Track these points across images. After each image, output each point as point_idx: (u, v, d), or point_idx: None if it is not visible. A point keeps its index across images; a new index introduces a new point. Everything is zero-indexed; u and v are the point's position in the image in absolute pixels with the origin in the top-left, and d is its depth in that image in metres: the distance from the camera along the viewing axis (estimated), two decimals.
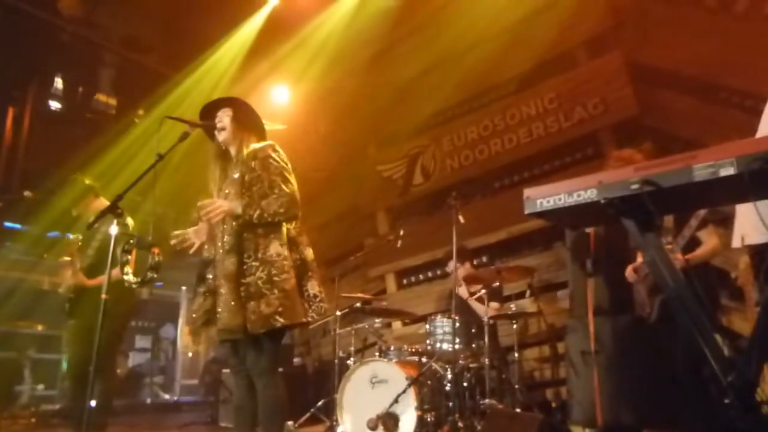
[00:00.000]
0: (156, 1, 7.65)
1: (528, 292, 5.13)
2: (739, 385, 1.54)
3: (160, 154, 2.86)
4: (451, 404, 4.17)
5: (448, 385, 4.27)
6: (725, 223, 3.44)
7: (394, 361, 4.29)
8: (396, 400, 3.91)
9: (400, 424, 3.96)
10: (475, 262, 5.62)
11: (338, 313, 5.12)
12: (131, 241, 2.80)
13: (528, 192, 1.89)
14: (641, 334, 3.59)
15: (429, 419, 4.04)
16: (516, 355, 4.76)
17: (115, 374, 5.30)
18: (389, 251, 6.44)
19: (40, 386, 6.39)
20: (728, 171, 1.48)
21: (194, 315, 2.93)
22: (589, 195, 1.72)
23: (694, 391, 3.11)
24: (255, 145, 3.01)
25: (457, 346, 4.38)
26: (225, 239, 2.88)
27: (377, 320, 5.23)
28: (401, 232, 5.09)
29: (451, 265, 5.36)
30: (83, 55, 7.65)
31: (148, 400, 8.16)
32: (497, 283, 4.80)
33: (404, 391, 3.92)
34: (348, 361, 4.96)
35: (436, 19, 6.54)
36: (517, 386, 4.63)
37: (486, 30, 6.08)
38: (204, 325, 2.90)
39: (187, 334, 9.28)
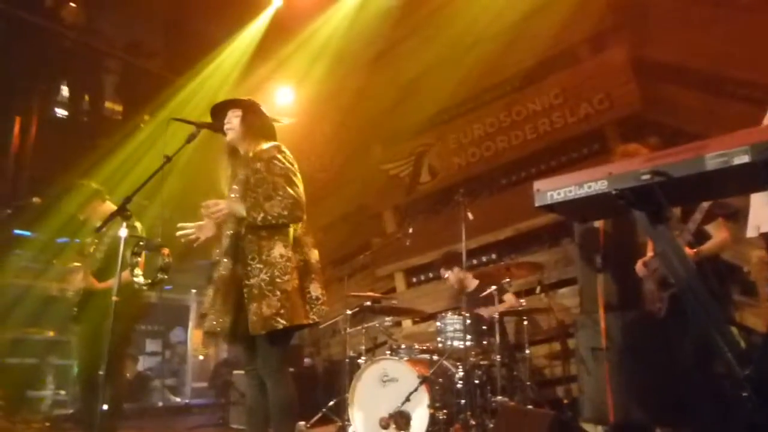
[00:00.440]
0: (157, 7, 7.68)
1: (537, 289, 5.11)
2: (756, 378, 1.52)
3: (168, 156, 2.87)
4: (462, 402, 4.16)
5: (459, 382, 4.27)
6: (735, 216, 3.42)
7: (404, 359, 4.28)
8: (408, 399, 3.91)
9: (412, 422, 3.96)
10: (467, 265, 5.61)
11: (348, 312, 5.12)
12: (140, 244, 2.81)
13: (538, 184, 1.88)
14: (652, 329, 3.56)
15: (441, 417, 4.03)
16: (527, 352, 4.75)
17: (124, 377, 5.32)
18: (397, 250, 6.44)
19: (62, 392, 6.43)
20: (742, 159, 1.45)
21: (205, 315, 2.95)
22: (600, 186, 1.71)
23: (706, 387, 3.09)
24: (261, 146, 3.01)
25: (467, 344, 4.37)
26: (229, 242, 2.89)
27: (387, 319, 5.22)
28: (410, 230, 5.09)
29: (444, 272, 5.40)
30: (87, 62, 7.68)
31: (159, 403, 8.17)
32: (493, 287, 4.75)
33: (416, 390, 3.91)
34: (358, 361, 4.96)
35: (438, 17, 6.53)
36: (528, 383, 4.62)
37: (488, 27, 6.06)
38: (213, 322, 2.92)
39: (197, 337, 9.31)
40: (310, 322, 2.88)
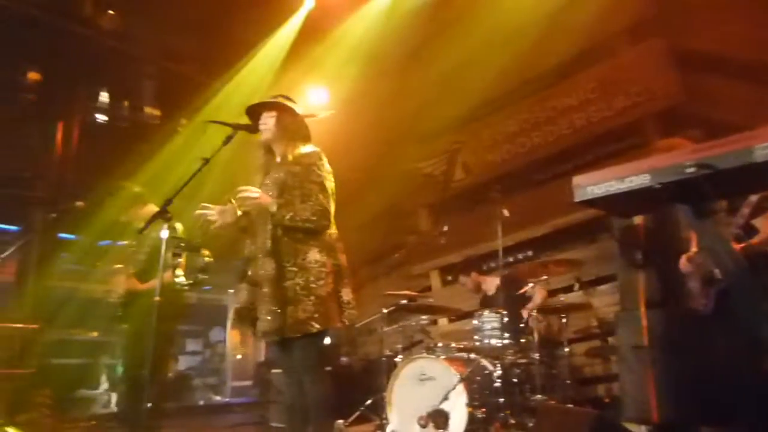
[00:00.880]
0: (192, 12, 7.79)
1: (576, 286, 5.03)
2: None
3: (206, 159, 2.92)
4: (500, 400, 4.12)
5: (497, 381, 4.22)
6: None
7: (441, 357, 4.26)
8: (446, 397, 3.89)
9: (451, 421, 3.93)
10: (485, 267, 5.59)
11: (384, 311, 5.12)
12: (181, 245, 2.86)
13: (577, 179, 1.84)
14: (697, 326, 3.47)
15: (479, 416, 4.00)
16: (566, 349, 4.68)
17: (167, 376, 5.42)
18: (432, 248, 6.43)
19: (113, 393, 6.61)
20: None
21: (237, 311, 3.01)
22: (642, 180, 1.67)
23: (755, 385, 3.00)
24: (302, 150, 3.06)
25: (505, 342, 4.33)
26: (266, 242, 2.93)
27: (423, 317, 5.21)
28: (445, 228, 5.07)
29: (463, 278, 5.37)
30: (126, 69, 7.85)
31: (200, 402, 8.33)
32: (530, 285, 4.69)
33: (454, 388, 3.89)
34: (395, 359, 4.95)
35: (471, 13, 6.47)
36: (567, 382, 4.55)
37: (522, 21, 5.97)
38: (248, 321, 2.97)
39: (236, 337, 9.45)
40: (342, 324, 2.96)
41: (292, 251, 2.89)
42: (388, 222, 7.51)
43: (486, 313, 4.63)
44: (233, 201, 2.97)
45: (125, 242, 4.49)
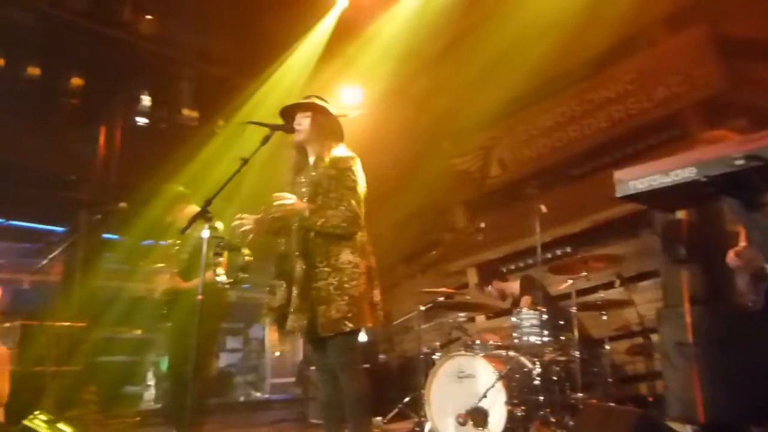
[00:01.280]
0: (227, 14, 7.91)
1: (617, 282, 4.94)
2: None
3: (244, 159, 2.96)
4: (540, 398, 4.07)
5: (537, 379, 4.18)
6: None
7: (480, 355, 4.23)
8: (484, 395, 3.86)
9: (490, 419, 3.91)
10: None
11: (422, 308, 5.12)
12: (221, 244, 2.91)
13: (619, 174, 1.81)
14: (745, 323, 3.38)
15: (518, 414, 3.96)
16: (606, 347, 4.60)
17: (210, 373, 5.53)
18: (469, 245, 6.39)
19: (158, 390, 6.77)
20: None
21: (271, 309, 3.05)
22: (688, 174, 1.63)
23: None
24: (338, 154, 3.10)
25: (544, 339, 4.28)
26: (299, 242, 2.98)
27: (461, 314, 5.19)
28: (482, 225, 5.03)
29: (485, 288, 5.33)
30: (164, 72, 8.02)
31: (241, 399, 8.47)
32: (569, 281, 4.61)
33: (493, 386, 3.86)
34: (433, 357, 4.95)
35: (505, 7, 6.39)
36: (609, 380, 4.47)
37: (558, 13, 5.87)
38: (281, 319, 3.01)
39: (274, 334, 9.57)
40: (373, 324, 3.02)
41: (325, 252, 2.95)
42: (424, 219, 7.49)
43: (525, 310, 4.58)
44: (268, 211, 3.03)
45: (168, 242, 4.60)
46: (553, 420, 4.00)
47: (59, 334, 5.11)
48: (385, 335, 7.51)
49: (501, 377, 3.90)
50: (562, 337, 4.55)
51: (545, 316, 4.34)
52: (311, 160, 3.19)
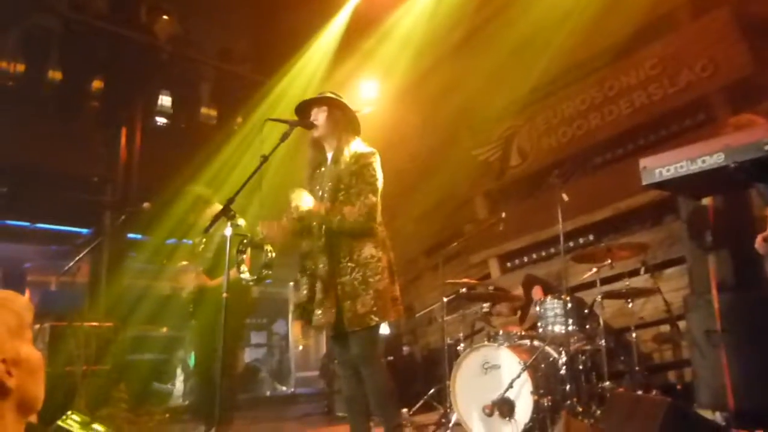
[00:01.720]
0: (245, 12, 7.94)
1: (642, 270, 4.88)
2: None
3: (264, 156, 2.98)
4: (567, 388, 4.05)
5: (563, 368, 4.16)
6: None
7: (505, 345, 4.22)
8: (510, 386, 3.86)
9: (516, 409, 3.90)
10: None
11: (444, 299, 5.12)
12: (244, 241, 2.94)
13: (645, 161, 1.78)
14: None
15: (545, 404, 3.95)
16: (633, 335, 4.55)
17: (237, 369, 5.60)
18: (490, 236, 6.35)
19: (188, 384, 6.87)
20: None
21: (299, 305, 3.09)
22: (716, 160, 1.60)
23: None
24: (359, 149, 3.11)
25: (569, 328, 4.25)
26: (322, 239, 3.00)
27: (484, 305, 5.17)
28: (503, 216, 5.00)
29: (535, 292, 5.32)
30: (183, 72, 8.06)
31: (267, 393, 8.55)
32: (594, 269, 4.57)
33: (518, 376, 3.85)
34: (457, 348, 4.95)
35: None
36: (636, 368, 4.43)
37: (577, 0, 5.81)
38: (306, 315, 3.04)
39: (297, 329, 9.64)
40: (395, 318, 3.10)
41: (348, 248, 2.98)
42: (445, 211, 7.46)
43: (548, 299, 4.56)
44: (290, 216, 3.06)
45: (193, 241, 4.66)
46: (581, 409, 3.98)
47: (88, 334, 5.19)
48: (408, 327, 7.52)
49: (526, 367, 3.89)
50: (588, 327, 4.52)
51: (569, 305, 4.31)
52: (329, 155, 3.21)
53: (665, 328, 5.03)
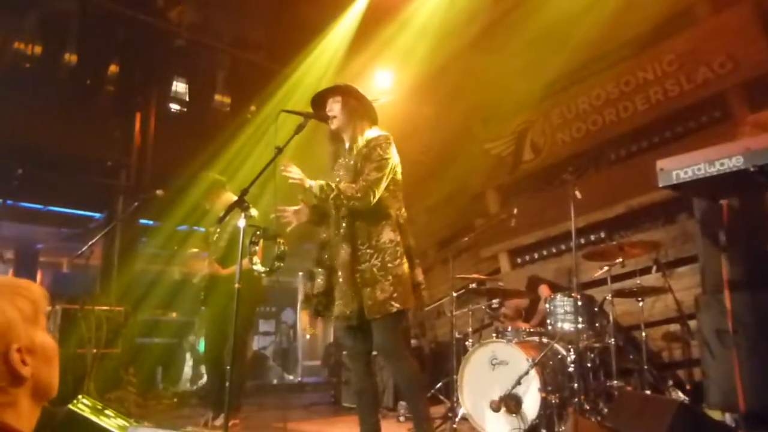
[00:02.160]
0: (261, 0, 7.92)
1: (654, 268, 4.84)
2: None
3: (279, 147, 2.98)
4: (575, 386, 4.05)
5: (571, 366, 4.15)
6: None
7: (513, 341, 4.22)
8: (518, 382, 3.86)
9: (524, 405, 3.91)
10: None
11: (454, 294, 5.11)
12: (257, 233, 2.94)
13: (662, 163, 1.77)
14: None
15: (553, 401, 3.95)
16: (643, 334, 4.53)
17: (246, 358, 5.64)
18: (501, 230, 6.33)
19: (195, 371, 6.93)
20: None
21: (312, 296, 3.06)
22: (735, 163, 1.59)
23: None
24: (370, 134, 3.08)
25: (579, 326, 4.24)
26: (339, 226, 2.97)
27: (494, 301, 5.17)
28: (515, 211, 4.98)
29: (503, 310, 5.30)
30: (197, 58, 8.07)
31: (274, 381, 8.62)
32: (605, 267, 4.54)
33: (526, 373, 3.85)
34: (465, 342, 4.95)
35: None
36: (645, 367, 4.42)
37: None
38: (323, 307, 3.02)
39: (305, 318, 9.69)
40: (417, 305, 2.99)
41: (366, 234, 2.91)
42: (457, 205, 7.45)
43: (558, 296, 4.55)
44: (305, 200, 3.05)
45: (206, 229, 4.69)
46: (588, 407, 3.98)
47: (99, 317, 5.23)
48: (417, 320, 7.53)
49: (534, 364, 3.89)
50: (597, 324, 4.50)
51: (580, 303, 4.29)
52: (347, 146, 3.18)
53: (675, 326, 5.00)
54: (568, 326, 4.37)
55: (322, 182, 2.88)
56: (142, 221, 7.37)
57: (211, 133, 7.21)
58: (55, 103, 6.94)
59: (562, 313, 4.45)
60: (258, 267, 2.94)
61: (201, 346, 6.81)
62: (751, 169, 1.52)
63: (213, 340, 4.53)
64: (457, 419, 4.40)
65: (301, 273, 10.07)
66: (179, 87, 8.14)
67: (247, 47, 8.27)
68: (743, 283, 3.85)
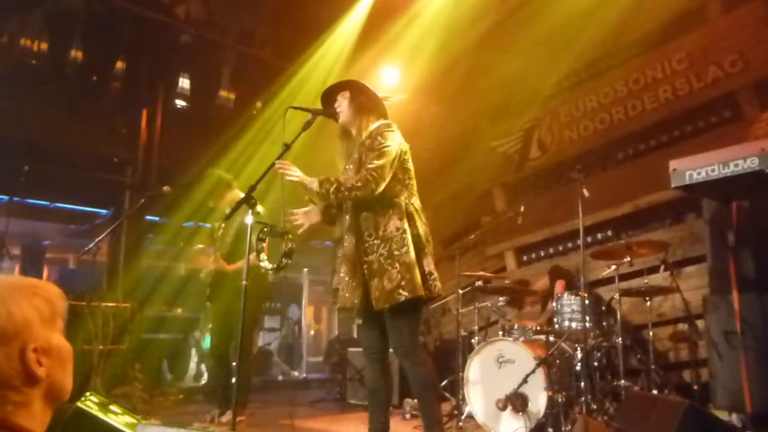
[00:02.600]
0: None
1: (662, 268, 4.82)
2: None
3: (286, 144, 2.97)
4: (581, 385, 4.04)
5: (578, 365, 4.14)
6: None
7: (520, 340, 4.21)
8: (525, 381, 3.85)
9: (530, 404, 3.90)
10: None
11: (460, 291, 5.11)
12: (265, 230, 2.94)
13: (675, 164, 1.76)
14: None
15: (559, 400, 3.95)
16: (651, 334, 4.52)
17: (252, 354, 5.64)
18: (507, 228, 6.31)
19: (202, 365, 6.94)
20: None
21: (332, 291, 3.06)
22: (750, 164, 1.58)
23: None
24: (373, 126, 3.05)
25: (586, 325, 4.23)
26: (346, 219, 2.96)
27: (501, 299, 5.16)
28: (521, 209, 4.97)
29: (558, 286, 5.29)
30: (203, 54, 8.06)
31: (279, 377, 8.63)
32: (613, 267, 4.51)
33: (533, 371, 3.84)
34: (471, 340, 4.95)
35: None
36: (652, 367, 4.41)
37: None
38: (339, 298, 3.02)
39: (310, 314, 9.66)
40: (429, 295, 2.88)
41: (374, 224, 2.89)
42: (463, 202, 7.44)
43: (566, 295, 4.53)
44: (315, 201, 3.04)
45: (212, 225, 4.69)
46: (595, 406, 3.97)
47: (106, 313, 5.25)
48: (422, 317, 7.52)
49: (541, 363, 3.88)
50: (605, 323, 4.49)
51: (587, 301, 4.28)
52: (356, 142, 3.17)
53: (682, 326, 4.98)
54: (575, 325, 4.36)
55: (322, 177, 2.85)
56: (149, 218, 7.38)
57: (217, 130, 7.20)
58: (62, 100, 6.93)
59: (570, 311, 4.44)
60: (265, 264, 2.94)
61: (206, 342, 6.82)
62: (767, 171, 1.50)
63: (219, 336, 4.53)
64: (462, 417, 4.40)
65: (305, 269, 10.09)
66: (185, 83, 8.13)
67: (253, 43, 8.25)
68: (752, 284, 3.84)
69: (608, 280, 4.80)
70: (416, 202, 3.04)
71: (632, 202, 5.71)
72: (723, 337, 3.97)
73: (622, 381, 4.14)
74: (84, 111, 7.12)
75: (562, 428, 3.88)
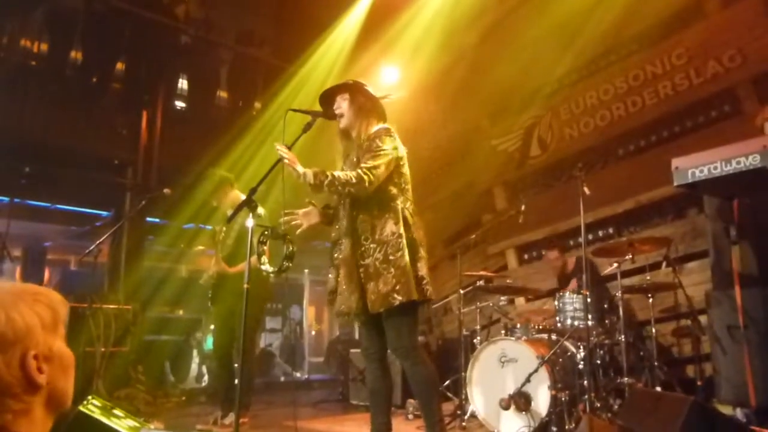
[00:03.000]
0: None
1: (664, 264, 4.81)
2: None
3: (287, 146, 2.96)
4: (585, 383, 4.03)
5: (581, 363, 4.13)
6: None
7: (522, 339, 4.20)
8: (528, 380, 3.84)
9: (533, 403, 3.89)
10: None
11: (461, 291, 5.10)
12: (266, 233, 2.93)
13: (677, 162, 1.75)
14: None
15: (563, 398, 3.93)
16: (653, 330, 4.51)
17: (254, 356, 5.63)
18: (508, 227, 6.30)
19: (203, 366, 6.94)
20: None
21: (333, 294, 3.05)
22: (752, 162, 1.57)
23: None
24: (373, 129, 3.05)
25: (589, 323, 4.21)
26: (343, 222, 2.96)
27: (502, 298, 5.15)
28: (522, 207, 4.95)
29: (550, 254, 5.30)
30: (203, 55, 8.06)
31: (281, 378, 8.63)
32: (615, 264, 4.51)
33: (536, 370, 3.83)
34: (473, 340, 4.93)
35: None
36: (656, 363, 4.39)
37: None
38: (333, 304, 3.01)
39: (312, 314, 9.67)
40: (422, 298, 2.88)
41: (370, 228, 2.88)
42: (464, 201, 7.43)
43: (567, 294, 4.52)
44: (313, 202, 3.03)
45: (214, 227, 4.68)
46: (599, 404, 3.96)
47: (107, 315, 5.24)
48: (423, 316, 7.52)
49: (544, 362, 3.87)
50: (607, 321, 4.48)
51: (589, 299, 4.27)
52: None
53: (685, 321, 4.97)
54: (578, 323, 4.35)
55: (317, 169, 2.83)
56: (150, 219, 7.37)
57: (218, 131, 7.20)
58: (62, 101, 6.93)
59: (572, 309, 4.43)
60: (267, 267, 2.92)
61: (208, 343, 6.82)
62: None
63: (221, 337, 4.53)
64: (466, 417, 4.39)
65: (306, 270, 10.10)
66: (185, 84, 8.12)
67: (252, 44, 8.24)
68: (754, 278, 3.83)
69: (611, 277, 4.79)
70: (411, 207, 3.05)
71: (633, 198, 5.70)
72: (726, 332, 3.95)
73: (626, 378, 4.13)
74: (84, 112, 7.12)
75: (566, 427, 3.87)
